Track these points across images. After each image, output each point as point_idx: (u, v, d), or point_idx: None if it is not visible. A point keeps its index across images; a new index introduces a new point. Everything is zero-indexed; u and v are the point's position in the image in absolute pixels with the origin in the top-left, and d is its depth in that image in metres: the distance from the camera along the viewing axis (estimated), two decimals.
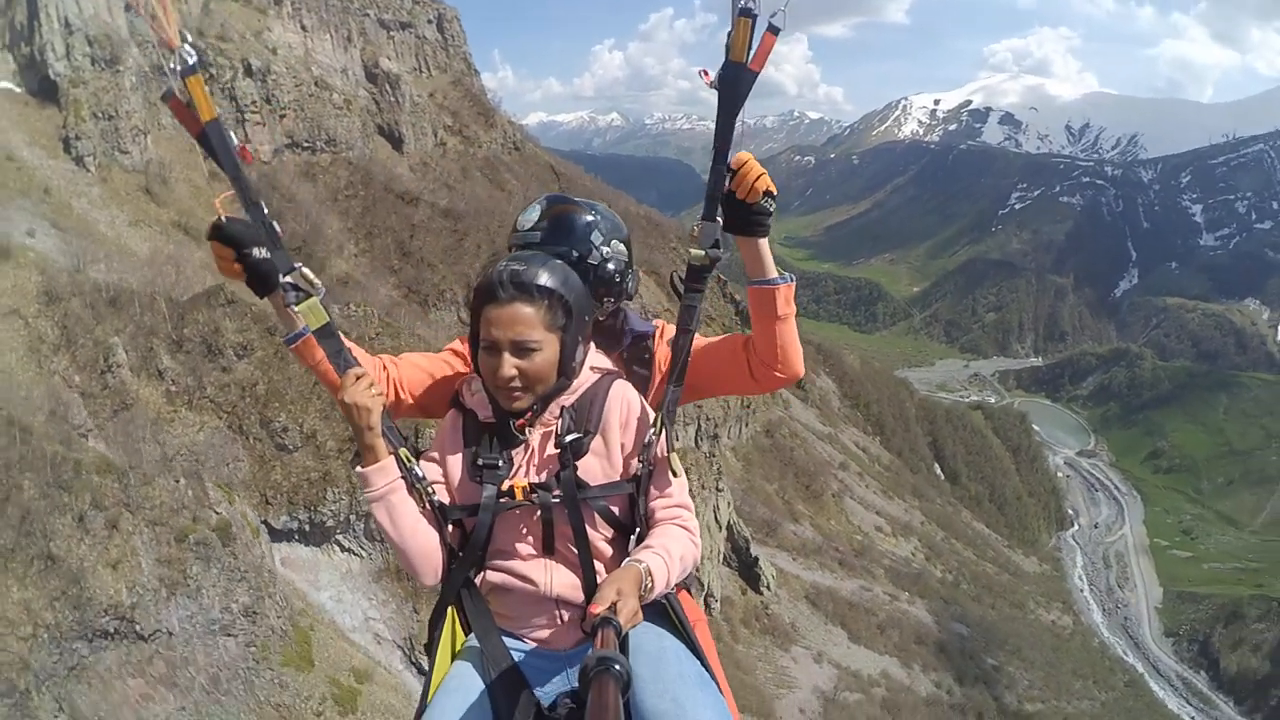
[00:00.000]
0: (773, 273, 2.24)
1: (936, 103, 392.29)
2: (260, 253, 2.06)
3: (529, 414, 2.12)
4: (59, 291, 18.45)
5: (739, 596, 42.79)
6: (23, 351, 16.47)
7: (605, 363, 2.31)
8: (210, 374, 18.33)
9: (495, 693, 2.08)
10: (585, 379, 2.20)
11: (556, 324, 2.06)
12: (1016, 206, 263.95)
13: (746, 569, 44.15)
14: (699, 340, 2.44)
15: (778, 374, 2.36)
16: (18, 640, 11.65)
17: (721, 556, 42.41)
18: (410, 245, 40.68)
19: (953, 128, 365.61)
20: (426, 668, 2.27)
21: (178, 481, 14.74)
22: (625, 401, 2.20)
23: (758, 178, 2.08)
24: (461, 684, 2.10)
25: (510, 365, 2.03)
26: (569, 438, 2.10)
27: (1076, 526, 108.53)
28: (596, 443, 2.14)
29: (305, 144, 41.60)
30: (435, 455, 2.23)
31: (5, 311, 17.72)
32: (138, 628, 13.59)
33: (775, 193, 2.13)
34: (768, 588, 44.08)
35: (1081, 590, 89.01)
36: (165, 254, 25.00)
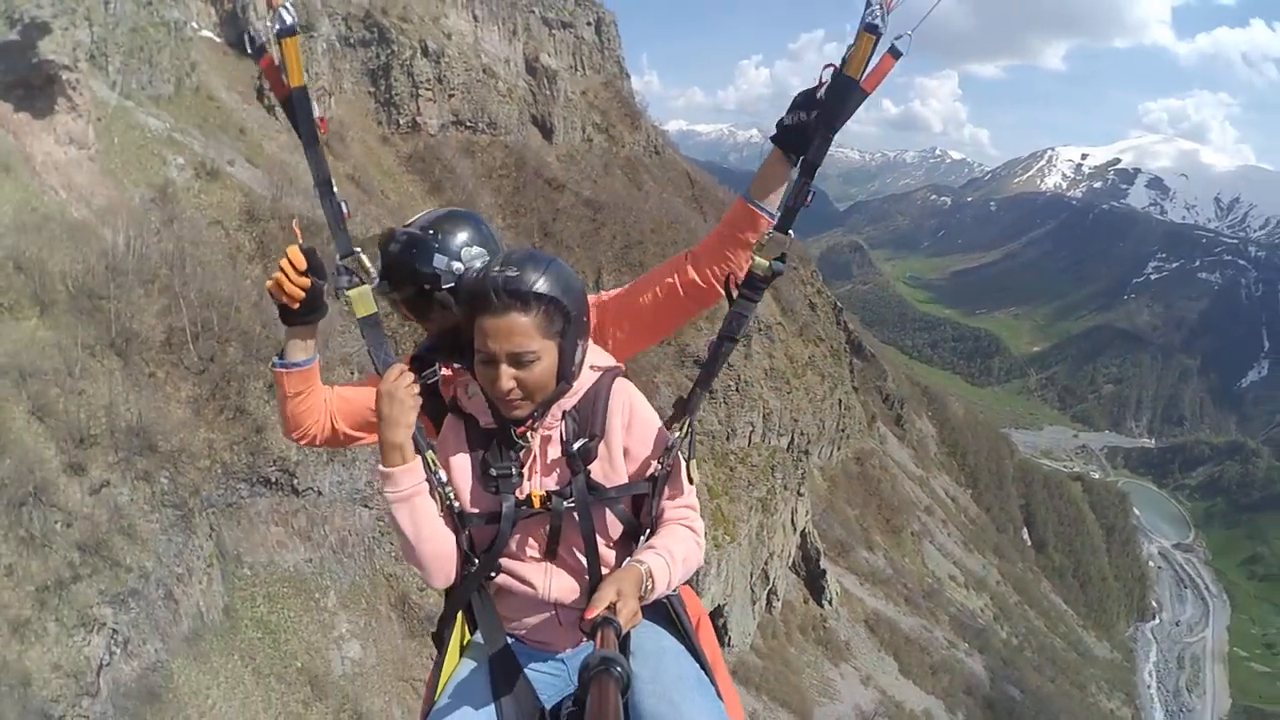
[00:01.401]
0: (775, 206, 2.24)
1: (1084, 157, 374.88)
2: (324, 287, 2.14)
3: (530, 420, 2.11)
4: (259, 213, 22.08)
5: (800, 604, 43.92)
6: (222, 257, 19.96)
7: (605, 359, 2.27)
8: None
9: (500, 694, 2.10)
10: (585, 379, 2.17)
11: (554, 330, 2.01)
12: (1152, 277, 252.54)
13: (813, 579, 45.23)
14: (615, 296, 2.50)
15: (728, 284, 2.33)
16: (195, 470, 14.77)
17: (791, 561, 43.69)
18: (552, 227, 43.73)
19: (1097, 185, 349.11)
20: (434, 664, 2.31)
21: (352, 374, 17.80)
22: (628, 405, 2.17)
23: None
24: (468, 684, 2.13)
25: (509, 377, 1.99)
26: (577, 445, 2.08)
27: (1157, 620, 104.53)
28: (601, 447, 2.13)
29: (468, 124, 45.14)
30: (440, 460, 2.19)
31: (210, 221, 21.38)
32: (295, 482, 16.72)
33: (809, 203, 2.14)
34: (830, 602, 45.05)
35: (1149, 686, 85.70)
36: (347, 199, 28.57)
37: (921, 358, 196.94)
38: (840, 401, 59.35)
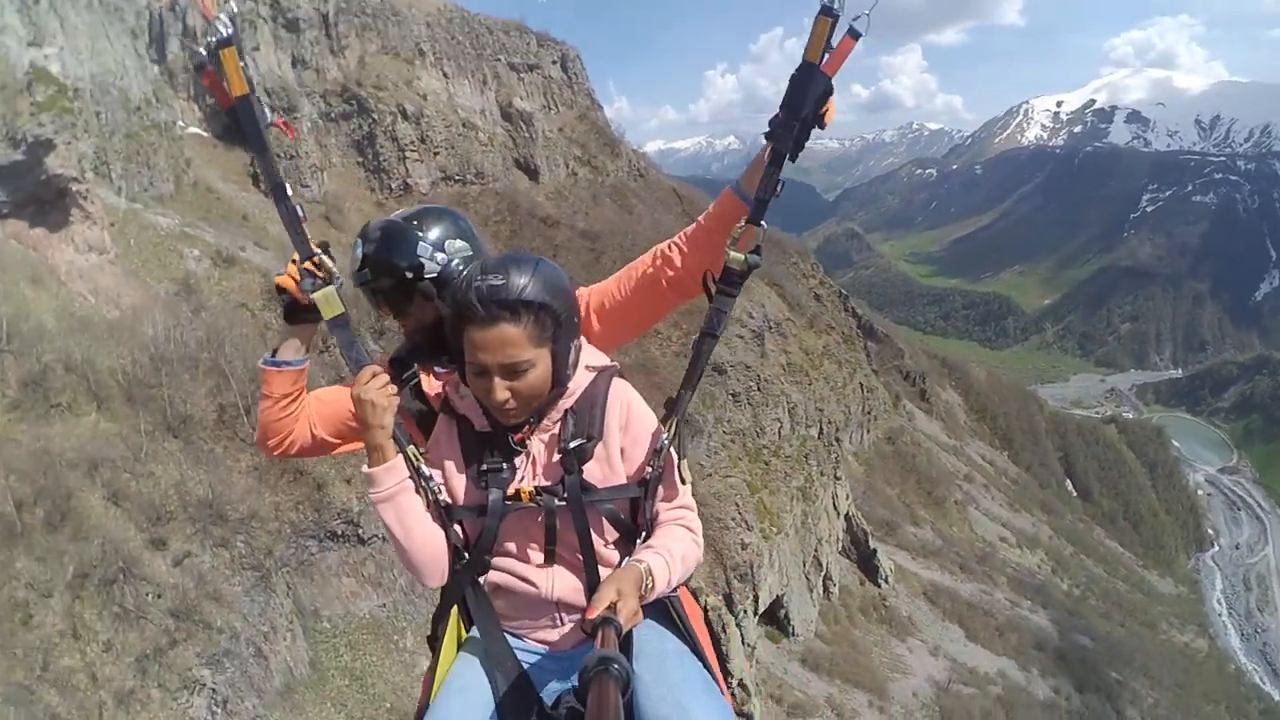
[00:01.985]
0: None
1: (1059, 105, 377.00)
2: (314, 297, 2.15)
3: (526, 426, 2.10)
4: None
5: (857, 587, 44.15)
6: (253, 337, 20.97)
7: (600, 359, 2.24)
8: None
9: (498, 691, 2.08)
10: (582, 379, 2.15)
11: (546, 337, 1.97)
12: (1148, 209, 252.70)
13: (865, 561, 45.43)
14: (588, 289, 2.50)
15: (705, 279, 2.33)
16: (266, 533, 15.64)
17: (840, 545, 43.96)
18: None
19: (1078, 129, 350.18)
20: (430, 663, 2.29)
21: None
22: (625, 406, 2.16)
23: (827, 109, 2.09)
24: (465, 682, 2.11)
25: (502, 388, 1.96)
26: (573, 444, 2.06)
27: (1216, 547, 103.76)
28: (599, 448, 2.11)
29: (456, 177, 46.53)
30: (433, 460, 2.20)
31: (235, 305, 22.48)
32: (360, 532, 17.57)
33: (779, 193, 2.16)
34: (886, 580, 45.20)
35: (1219, 614, 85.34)
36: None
37: (936, 331, 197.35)
38: (861, 385, 59.84)
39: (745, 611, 32.68)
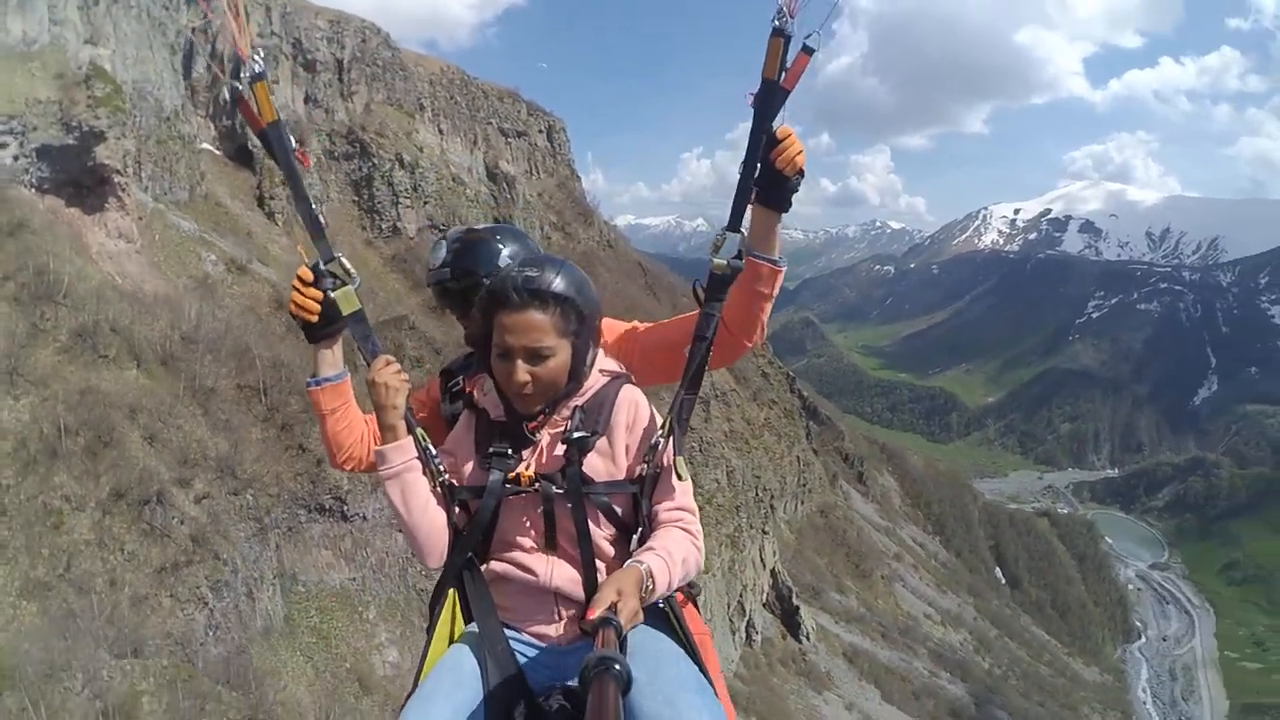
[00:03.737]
0: (777, 252, 2.32)
1: (1016, 212, 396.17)
2: (331, 296, 2.30)
3: (540, 416, 2.19)
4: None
5: (779, 639, 45.87)
6: (266, 335, 23.52)
7: (613, 365, 2.36)
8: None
9: (489, 679, 2.10)
10: (595, 381, 2.25)
11: (569, 329, 2.11)
12: (1094, 315, 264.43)
13: (788, 617, 47.34)
14: (648, 327, 2.62)
15: (748, 343, 2.45)
16: (268, 496, 18.01)
17: (765, 599, 46.20)
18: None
19: (1032, 237, 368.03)
20: (423, 648, 2.31)
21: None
22: (633, 405, 2.24)
23: (798, 152, 2.17)
24: (456, 666, 2.13)
25: (523, 371, 2.08)
26: (576, 435, 2.13)
27: (1144, 639, 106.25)
28: (601, 443, 2.18)
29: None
30: (448, 449, 2.32)
31: (244, 309, 25.08)
32: (345, 509, 19.92)
33: (805, 173, 2.21)
34: (807, 637, 47.10)
35: (1144, 702, 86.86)
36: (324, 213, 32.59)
37: (882, 422, 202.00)
38: (799, 459, 62.22)
39: None
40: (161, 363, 18.22)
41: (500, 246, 2.70)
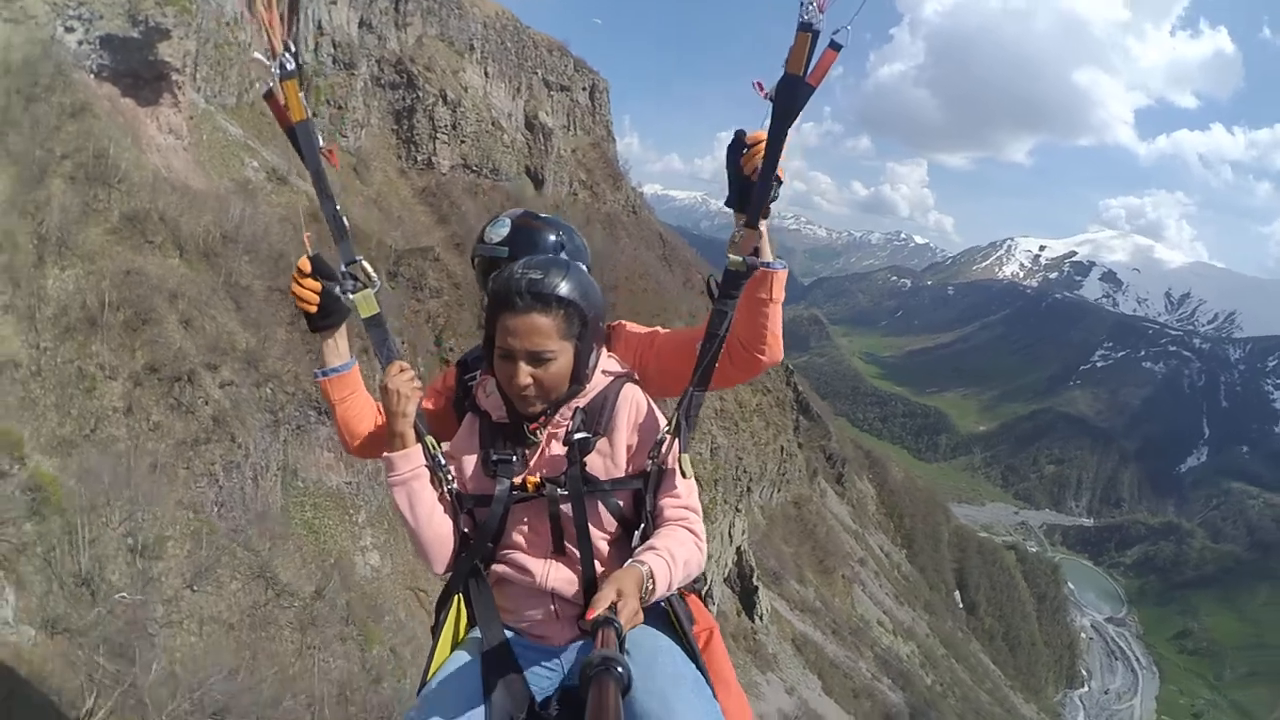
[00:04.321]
0: (770, 256, 2.27)
1: (1042, 249, 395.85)
2: (336, 290, 2.33)
3: (542, 417, 2.22)
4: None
5: (734, 615, 47.13)
6: (294, 247, 24.55)
7: (616, 366, 2.37)
8: (408, 302, 26.48)
9: (490, 683, 2.13)
10: (597, 382, 2.28)
11: (572, 333, 2.12)
12: (1099, 364, 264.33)
13: (746, 596, 48.51)
14: (667, 334, 2.60)
15: (761, 356, 2.38)
16: (284, 393, 19.27)
17: (726, 574, 47.68)
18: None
19: (1053, 276, 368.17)
20: (429, 650, 2.37)
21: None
22: (634, 404, 2.27)
23: (758, 156, 2.14)
24: (459, 672, 2.18)
25: (526, 374, 2.10)
26: (577, 436, 2.17)
27: (1086, 688, 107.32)
28: (602, 443, 2.21)
29: (474, 168, 50.52)
30: (451, 453, 2.34)
31: (280, 218, 26.14)
32: None
33: (783, 180, 2.17)
34: (761, 618, 48.59)
35: None
36: (361, 219, 33.49)
37: (872, 430, 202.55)
38: (783, 448, 62.98)
39: None
40: (203, 256, 19.41)
41: (560, 241, 2.77)
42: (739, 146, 2.16)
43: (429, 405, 2.58)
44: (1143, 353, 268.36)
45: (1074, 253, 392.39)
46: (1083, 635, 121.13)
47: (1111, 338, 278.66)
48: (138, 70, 25.06)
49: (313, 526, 20.97)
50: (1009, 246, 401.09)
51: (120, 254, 17.39)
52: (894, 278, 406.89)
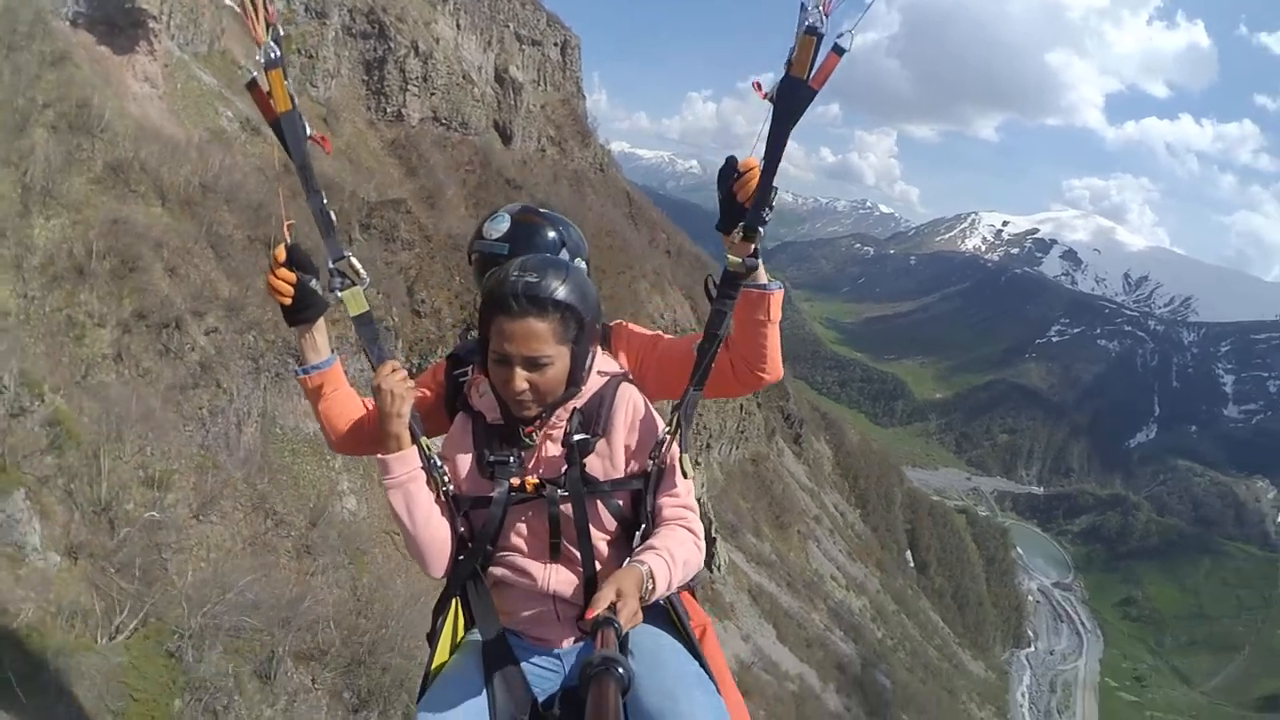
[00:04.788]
0: (765, 277, 2.28)
1: (1005, 224, 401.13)
2: (315, 284, 2.28)
3: (537, 421, 2.20)
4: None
5: None
6: (270, 196, 24.76)
7: (612, 366, 2.38)
8: (380, 254, 26.85)
9: (492, 687, 2.15)
10: (593, 383, 2.27)
11: (568, 336, 2.10)
12: (1054, 339, 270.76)
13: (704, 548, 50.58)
14: (670, 339, 2.58)
15: (762, 375, 2.43)
16: (264, 340, 19.79)
17: None
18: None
19: (1014, 251, 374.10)
20: (428, 656, 2.35)
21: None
22: (632, 405, 2.28)
23: (752, 182, 2.13)
24: (460, 675, 2.19)
25: (522, 379, 2.08)
26: (576, 438, 2.17)
27: (1032, 648, 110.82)
28: (601, 444, 2.21)
29: (444, 121, 50.19)
30: (446, 453, 2.31)
31: (253, 169, 26.24)
32: None
33: (772, 205, 2.16)
34: (719, 569, 50.23)
35: (1021, 705, 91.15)
36: (333, 169, 33.49)
37: (830, 394, 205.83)
38: (741, 406, 63.52)
39: None
40: (184, 205, 19.68)
41: (560, 238, 2.74)
42: (730, 172, 2.17)
43: (417, 398, 2.46)
44: (1098, 330, 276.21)
45: (1036, 230, 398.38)
46: (1030, 598, 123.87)
47: (1068, 314, 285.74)
48: (113, 18, 24.77)
49: (292, 472, 21.55)
50: (973, 220, 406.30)
51: (105, 203, 17.59)
52: (858, 245, 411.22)
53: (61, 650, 6.46)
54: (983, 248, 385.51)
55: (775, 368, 2.47)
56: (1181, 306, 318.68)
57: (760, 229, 2.21)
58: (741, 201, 2.16)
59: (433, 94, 48.92)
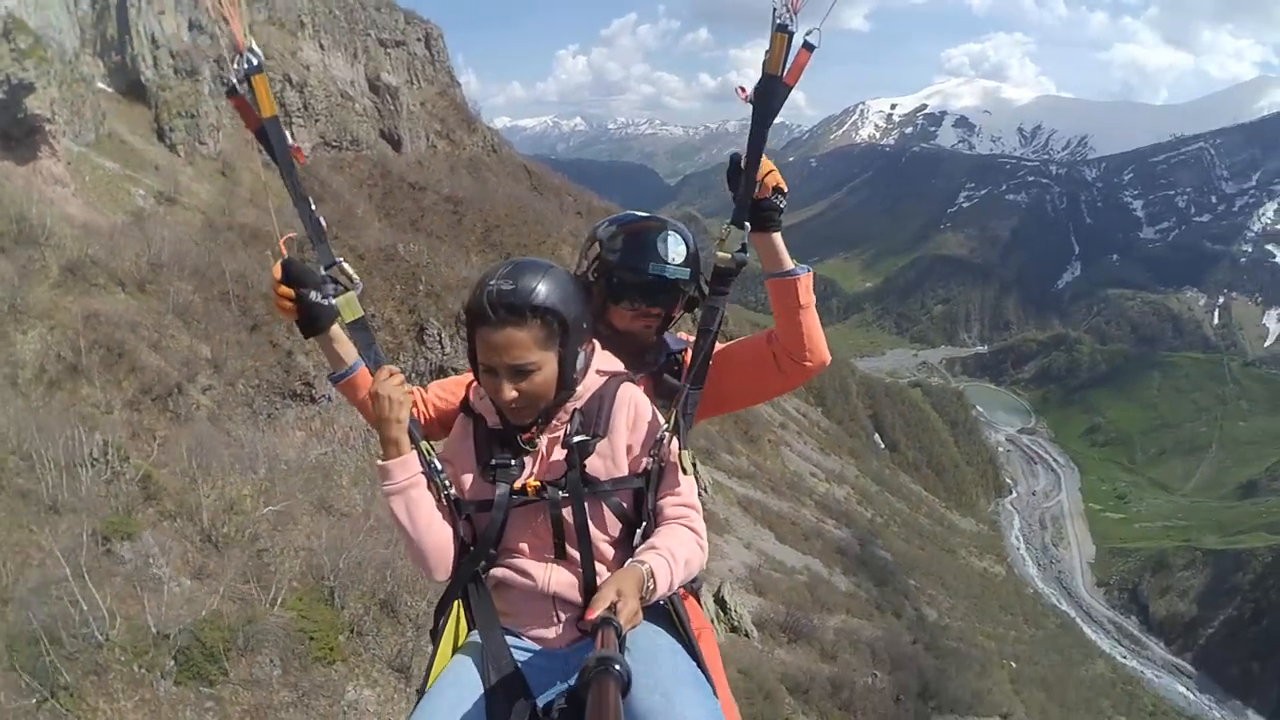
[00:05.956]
0: (790, 264, 2.33)
1: (893, 107, 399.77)
2: (316, 296, 2.24)
3: (535, 426, 2.18)
4: (218, 226, 28.16)
5: None
6: (210, 258, 26.13)
7: (613, 364, 2.33)
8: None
9: (491, 689, 2.11)
10: (592, 383, 2.23)
11: (553, 341, 2.07)
12: (964, 206, 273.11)
13: None
14: (720, 345, 2.46)
15: (806, 364, 2.44)
16: (248, 386, 21.43)
17: None
18: (421, 223, 49.62)
19: (908, 131, 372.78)
20: (429, 657, 2.35)
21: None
22: (632, 404, 2.24)
23: (768, 174, 2.22)
24: (459, 678, 2.15)
25: (510, 389, 2.06)
26: (576, 439, 2.14)
27: (1014, 494, 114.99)
28: (602, 444, 2.17)
29: (334, 143, 50.68)
30: (447, 457, 2.30)
31: (182, 237, 27.45)
32: (313, 392, 23.38)
33: (785, 190, 2.24)
34: (705, 490, 52.33)
35: (1018, 548, 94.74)
36: (254, 217, 34.48)
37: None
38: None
39: None
40: (139, 286, 21.04)
41: (700, 250, 2.71)
42: (738, 170, 2.26)
43: (443, 403, 2.58)
44: (1004, 187, 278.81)
45: (924, 105, 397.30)
46: (1000, 449, 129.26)
47: (972, 179, 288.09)
48: (9, 130, 25.50)
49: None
50: (861, 111, 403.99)
51: (73, 302, 18.86)
52: None
53: (251, 619, 8.70)
54: (877, 134, 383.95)
55: (819, 354, 2.49)
56: (1079, 147, 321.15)
57: (778, 215, 2.31)
58: (755, 195, 2.27)
59: (316, 120, 49.54)
